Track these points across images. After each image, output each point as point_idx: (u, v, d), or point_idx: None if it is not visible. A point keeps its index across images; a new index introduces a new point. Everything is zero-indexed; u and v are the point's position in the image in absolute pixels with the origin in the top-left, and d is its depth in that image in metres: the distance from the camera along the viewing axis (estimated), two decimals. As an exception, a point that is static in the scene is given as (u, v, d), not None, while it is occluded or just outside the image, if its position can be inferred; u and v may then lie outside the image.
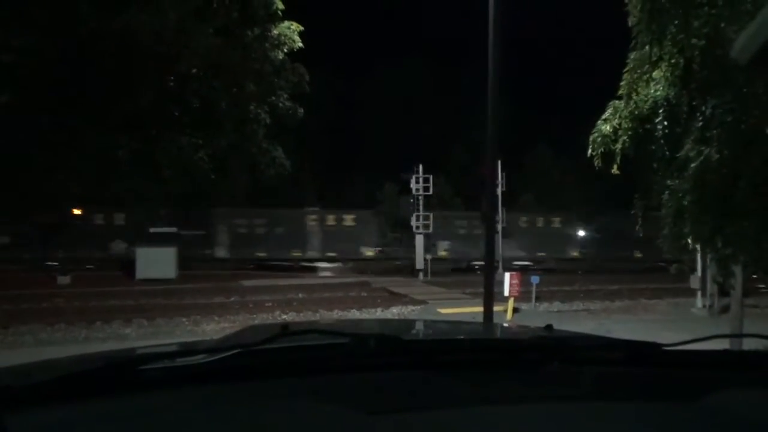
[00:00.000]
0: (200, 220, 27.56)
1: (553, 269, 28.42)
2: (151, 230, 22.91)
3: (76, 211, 26.00)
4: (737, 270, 6.67)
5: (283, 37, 18.85)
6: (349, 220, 30.12)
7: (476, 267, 26.27)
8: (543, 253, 30.95)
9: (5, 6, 13.93)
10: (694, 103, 6.05)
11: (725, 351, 1.52)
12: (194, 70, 17.82)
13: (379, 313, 13.83)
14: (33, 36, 14.31)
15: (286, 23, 18.95)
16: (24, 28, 14.25)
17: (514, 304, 12.70)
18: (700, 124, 5.80)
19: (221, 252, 28.19)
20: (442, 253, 29.03)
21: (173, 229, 23.92)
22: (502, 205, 25.40)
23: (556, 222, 32.53)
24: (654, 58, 6.22)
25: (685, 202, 5.89)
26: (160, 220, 23.58)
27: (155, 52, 16.15)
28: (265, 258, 28.17)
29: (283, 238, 28.84)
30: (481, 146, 8.80)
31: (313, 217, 29.81)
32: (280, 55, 19.19)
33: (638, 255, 30.27)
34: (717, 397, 1.10)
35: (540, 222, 32.30)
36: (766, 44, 1.26)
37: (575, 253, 32.17)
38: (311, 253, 29.35)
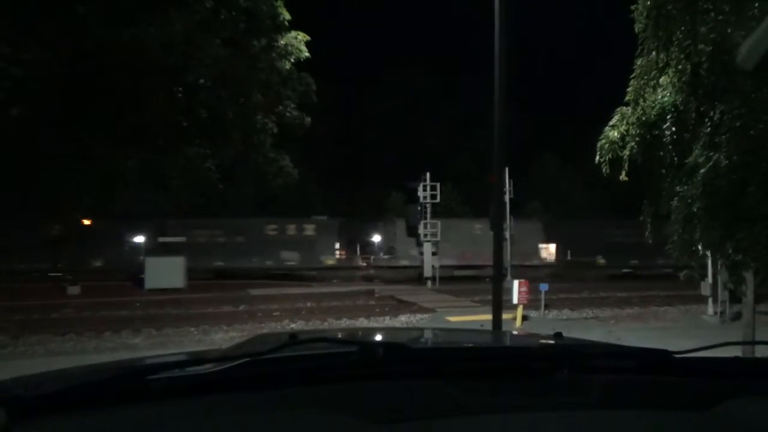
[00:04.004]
0: (387, 230, 29.66)
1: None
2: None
3: (86, 222, 26.22)
4: (748, 276, 6.60)
5: (289, 47, 18.92)
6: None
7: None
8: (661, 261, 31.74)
9: (15, 20, 14.11)
10: (702, 108, 6.01)
11: (737, 358, 1.51)
12: (202, 81, 17.91)
13: (387, 322, 13.78)
14: (42, 49, 14.46)
15: (293, 33, 19.03)
16: (34, 42, 14.41)
17: (523, 312, 12.65)
18: (709, 129, 5.77)
19: (404, 261, 29.66)
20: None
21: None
22: (510, 212, 25.43)
23: None
24: (661, 65, 6.20)
25: (695, 208, 5.84)
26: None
27: (163, 64, 16.28)
28: (449, 266, 28.85)
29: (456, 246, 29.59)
30: (488, 154, 8.79)
31: (479, 226, 29.96)
32: (287, 65, 19.25)
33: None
34: (728, 405, 1.09)
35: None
36: None
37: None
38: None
